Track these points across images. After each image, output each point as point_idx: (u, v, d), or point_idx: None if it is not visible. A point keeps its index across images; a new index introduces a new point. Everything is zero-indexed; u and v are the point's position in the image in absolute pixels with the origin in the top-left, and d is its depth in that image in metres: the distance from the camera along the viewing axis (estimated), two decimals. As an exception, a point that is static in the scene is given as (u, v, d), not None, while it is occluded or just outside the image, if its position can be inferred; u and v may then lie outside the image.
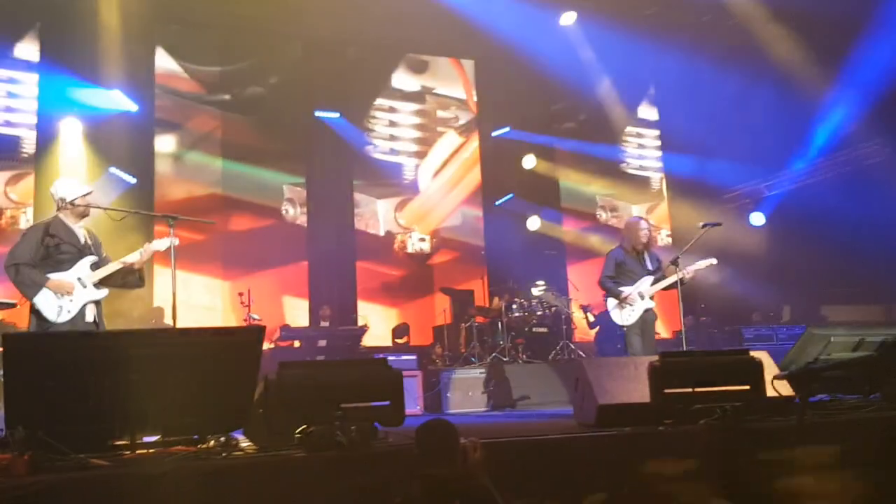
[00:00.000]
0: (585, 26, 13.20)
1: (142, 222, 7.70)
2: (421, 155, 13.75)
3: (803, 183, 13.13)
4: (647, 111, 15.40)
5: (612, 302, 7.08)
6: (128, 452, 3.37)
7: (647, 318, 7.01)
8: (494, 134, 14.00)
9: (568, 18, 13.14)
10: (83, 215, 5.46)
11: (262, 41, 12.82)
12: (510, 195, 13.78)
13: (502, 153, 14.03)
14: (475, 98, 14.29)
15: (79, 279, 5.24)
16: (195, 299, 11.44)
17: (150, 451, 3.44)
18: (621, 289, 6.96)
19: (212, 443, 3.58)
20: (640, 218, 7.49)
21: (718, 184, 14.43)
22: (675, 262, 6.82)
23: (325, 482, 3.43)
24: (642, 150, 15.25)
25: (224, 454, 3.46)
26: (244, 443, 3.82)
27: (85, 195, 5.45)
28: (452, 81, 14.22)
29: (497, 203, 13.83)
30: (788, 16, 11.93)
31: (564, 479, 3.93)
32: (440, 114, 14.01)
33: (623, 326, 6.99)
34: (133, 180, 11.32)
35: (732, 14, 12.76)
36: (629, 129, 15.14)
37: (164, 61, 12.18)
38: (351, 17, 12.40)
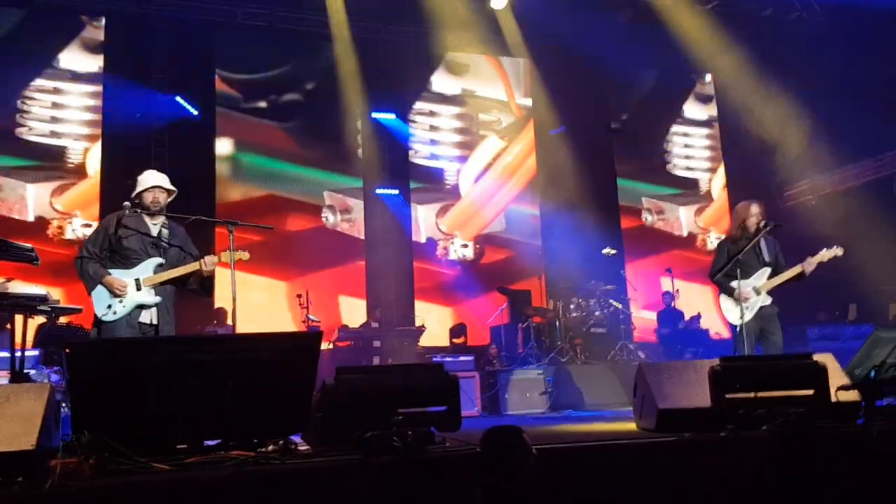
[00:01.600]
0: (642, 23, 13.09)
1: (203, 225, 7.84)
2: (462, 159, 13.64)
3: (869, 178, 12.78)
4: (696, 110, 15.11)
5: (724, 298, 6.45)
6: (189, 456, 3.44)
7: (765, 314, 6.38)
8: (551, 132, 13.89)
9: (625, 14, 13.03)
10: (152, 213, 5.36)
11: (299, 46, 12.89)
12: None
13: (558, 151, 13.95)
14: (530, 97, 14.19)
15: (136, 280, 5.21)
16: (254, 299, 11.65)
17: (211, 455, 3.50)
18: (733, 284, 6.30)
19: (271, 447, 3.63)
20: (752, 202, 6.68)
21: (780, 180, 14.16)
22: (736, 263, 6.41)
23: (383, 487, 3.45)
24: (690, 150, 14.93)
25: (283, 458, 3.50)
26: (302, 447, 3.87)
27: (145, 191, 5.36)
28: (493, 83, 14.06)
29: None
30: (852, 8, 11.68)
31: (625, 485, 3.89)
32: (482, 117, 13.87)
33: (736, 325, 6.32)
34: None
35: (795, 8, 12.55)
36: (676, 128, 14.88)
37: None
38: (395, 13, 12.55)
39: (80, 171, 11.35)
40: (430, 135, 13.52)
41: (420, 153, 13.45)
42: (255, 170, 12.46)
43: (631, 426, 5.28)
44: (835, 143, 12.80)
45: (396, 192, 13.13)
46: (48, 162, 11.19)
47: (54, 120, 11.33)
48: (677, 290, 11.65)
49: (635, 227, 14.28)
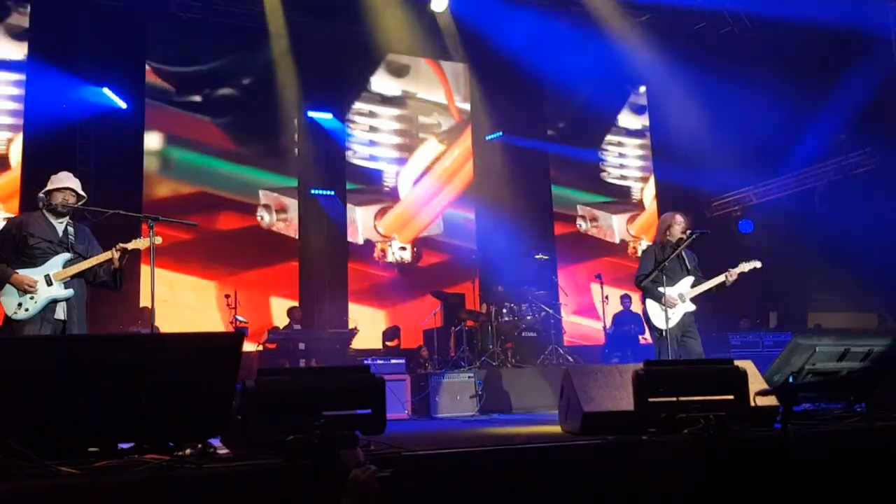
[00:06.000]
0: (578, 31, 13.25)
1: (127, 221, 7.64)
2: (401, 161, 13.60)
3: (792, 191, 13.19)
4: (630, 119, 15.39)
5: (651, 304, 6.64)
6: (100, 460, 3.29)
7: (686, 320, 6.61)
8: (488, 138, 14.00)
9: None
10: (58, 213, 5.35)
11: (235, 40, 12.62)
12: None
13: (495, 156, 14.06)
14: (469, 102, 14.26)
15: (46, 276, 5.16)
16: (182, 299, 11.41)
17: (124, 459, 3.36)
18: (661, 290, 6.50)
19: (188, 451, 3.51)
20: (676, 212, 6.98)
21: (708, 191, 14.50)
22: (661, 270, 6.60)
23: (304, 491, 3.37)
24: (623, 160, 15.23)
25: (200, 462, 3.39)
26: (221, 451, 3.76)
27: (56, 190, 5.34)
28: (433, 86, 14.06)
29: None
30: (781, 25, 11.99)
31: (548, 487, 3.89)
32: (422, 119, 13.85)
33: (661, 330, 6.52)
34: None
35: (726, 22, 12.85)
36: (610, 137, 15.14)
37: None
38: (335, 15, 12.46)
39: (2, 163, 10.94)
40: (370, 136, 13.42)
41: (359, 154, 13.34)
42: (186, 166, 12.19)
43: (556, 429, 5.31)
44: (760, 156, 13.18)
45: (332, 192, 13.01)
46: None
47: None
48: (607, 297, 11.80)
49: (568, 233, 14.47)
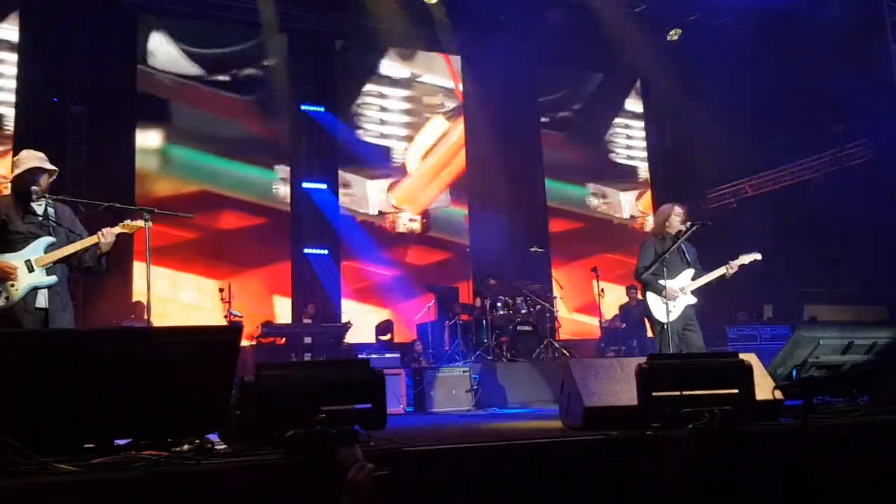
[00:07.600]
0: (574, 19, 13.22)
1: (119, 215, 7.53)
2: (409, 139, 14.02)
3: (788, 182, 13.18)
4: (634, 104, 15.66)
5: (652, 296, 6.55)
6: (97, 457, 3.22)
7: (687, 313, 6.54)
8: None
9: (555, 15, 13.12)
10: (28, 196, 4.93)
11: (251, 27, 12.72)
12: None
13: (487, 147, 14.00)
14: (462, 90, 14.36)
15: (27, 262, 4.85)
16: (186, 297, 11.36)
17: (121, 455, 3.29)
18: (661, 282, 6.42)
19: (186, 446, 3.44)
20: (674, 203, 6.89)
21: (703, 182, 14.47)
22: (662, 263, 6.51)
23: (304, 487, 3.32)
24: (630, 141, 15.56)
25: (198, 458, 3.33)
26: (220, 446, 3.69)
27: (29, 170, 4.94)
28: (439, 70, 14.39)
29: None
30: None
31: (550, 483, 3.84)
32: (427, 100, 14.25)
33: (662, 323, 6.42)
34: None
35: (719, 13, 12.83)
36: (618, 120, 15.48)
37: (162, 44, 12.26)
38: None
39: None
40: (380, 115, 13.88)
41: (370, 132, 13.77)
42: (187, 164, 12.18)
43: (556, 424, 5.25)
44: (755, 147, 13.16)
45: (324, 186, 13.01)
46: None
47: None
48: (602, 290, 11.75)
49: (567, 230, 14.47)
